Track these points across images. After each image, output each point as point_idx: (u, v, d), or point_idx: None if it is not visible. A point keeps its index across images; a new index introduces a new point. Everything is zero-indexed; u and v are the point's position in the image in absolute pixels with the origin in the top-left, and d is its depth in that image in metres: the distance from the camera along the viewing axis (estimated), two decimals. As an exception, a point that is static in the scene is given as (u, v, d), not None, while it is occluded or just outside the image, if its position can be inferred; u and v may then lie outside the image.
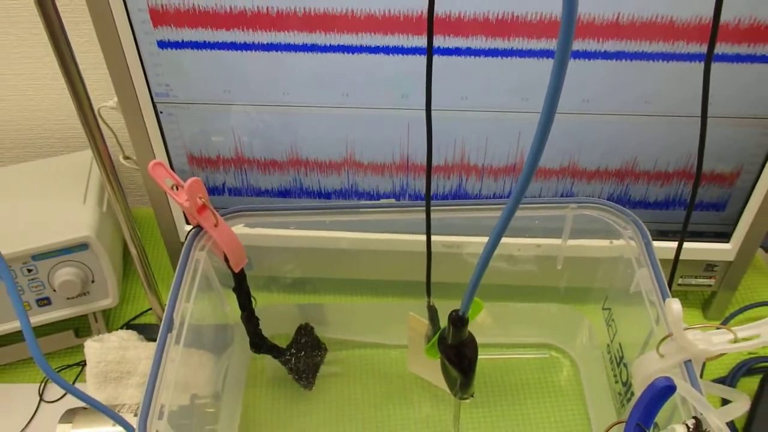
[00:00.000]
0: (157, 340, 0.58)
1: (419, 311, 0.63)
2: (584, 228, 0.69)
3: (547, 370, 0.81)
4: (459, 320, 0.49)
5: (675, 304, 0.50)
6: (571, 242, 0.70)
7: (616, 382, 0.68)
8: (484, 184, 0.76)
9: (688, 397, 0.50)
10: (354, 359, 0.81)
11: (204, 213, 0.63)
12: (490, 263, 0.40)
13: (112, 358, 0.76)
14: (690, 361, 0.53)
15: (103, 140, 0.66)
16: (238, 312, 0.70)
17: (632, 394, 0.64)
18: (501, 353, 0.83)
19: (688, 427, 0.48)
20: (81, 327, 0.86)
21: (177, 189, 0.61)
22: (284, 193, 0.79)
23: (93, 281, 0.79)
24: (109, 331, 0.82)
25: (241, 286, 0.69)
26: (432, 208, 0.57)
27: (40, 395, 0.80)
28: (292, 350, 0.76)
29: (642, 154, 0.72)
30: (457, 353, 0.53)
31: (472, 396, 0.58)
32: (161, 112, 0.71)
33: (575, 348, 0.82)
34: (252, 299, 0.70)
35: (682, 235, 0.58)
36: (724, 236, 0.78)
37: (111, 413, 0.58)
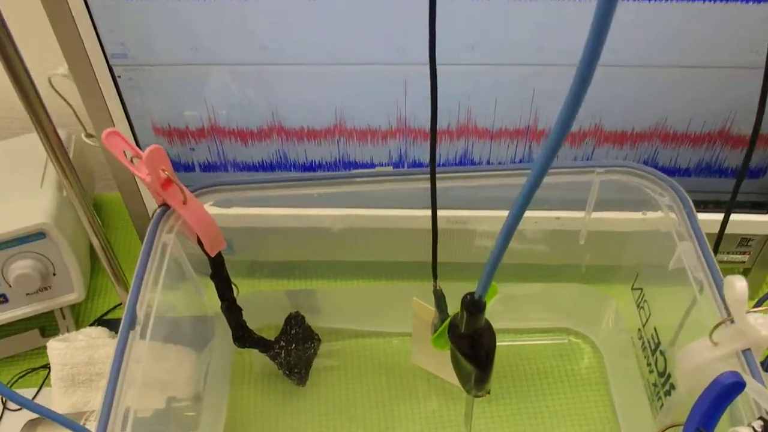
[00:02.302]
0: (118, 337, 0.50)
1: (424, 296, 0.57)
2: (612, 198, 0.61)
3: (565, 357, 0.74)
4: (475, 305, 0.40)
5: (739, 282, 0.41)
6: (597, 215, 0.62)
7: (651, 371, 0.60)
8: (493, 150, 0.68)
9: (750, 393, 0.42)
10: (351, 350, 0.75)
11: (169, 188, 0.54)
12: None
13: (80, 359, 0.69)
14: (749, 350, 0.44)
15: (45, 113, 0.57)
16: (218, 302, 0.63)
17: (672, 386, 0.56)
18: (514, 339, 0.76)
19: (754, 430, 0.40)
20: (48, 325, 0.79)
21: (137, 162, 0.52)
22: (266, 167, 0.70)
23: (54, 274, 0.72)
24: (79, 328, 0.75)
25: (218, 273, 0.61)
26: (437, 176, 0.48)
27: (3, 403, 0.73)
28: (282, 343, 0.70)
29: (673, 113, 0.64)
30: (472, 344, 0.44)
31: (488, 393, 0.50)
32: (119, 77, 0.62)
33: (598, 333, 0.75)
34: (233, 287, 0.63)
35: (730, 205, 0.50)
36: (761, 207, 0.70)
37: (71, 425, 0.50)
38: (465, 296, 0.41)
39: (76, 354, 0.68)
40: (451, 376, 0.62)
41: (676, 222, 0.55)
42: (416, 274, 0.75)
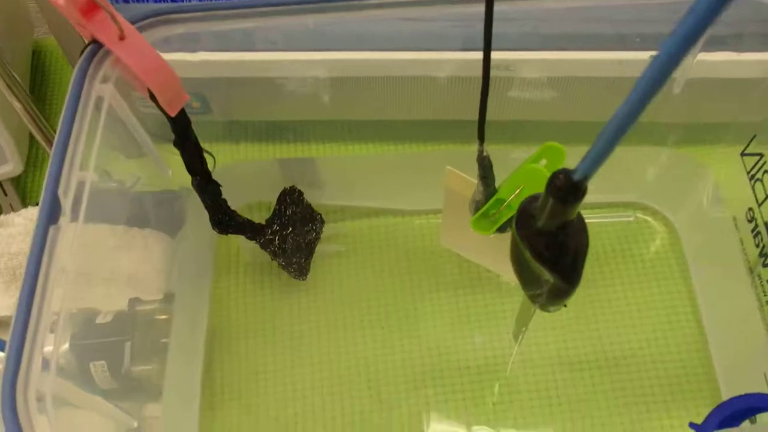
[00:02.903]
0: (33, 233, 0.36)
1: (453, 164, 0.47)
2: (728, 34, 0.45)
3: (632, 239, 0.62)
4: (573, 190, 0.25)
5: None
6: (705, 56, 0.48)
7: (766, 264, 0.46)
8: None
9: None
10: (362, 233, 0.65)
11: (96, 16, 0.38)
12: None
13: (19, 248, 0.58)
14: None
15: None
16: (187, 178, 0.50)
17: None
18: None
19: None
20: (-13, 203, 0.68)
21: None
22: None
23: (-20, 142, 0.59)
24: (28, 206, 0.65)
25: (183, 139, 0.48)
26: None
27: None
28: (275, 227, 0.58)
29: None
30: (556, 245, 0.30)
31: (565, 306, 0.35)
32: None
33: (679, 210, 0.62)
34: (207, 157, 0.50)
35: None
36: None
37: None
38: (555, 175, 0.26)
39: (14, 242, 0.58)
40: (495, 265, 0.55)
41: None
42: (443, 136, 0.65)
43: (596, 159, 0.23)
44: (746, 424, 0.36)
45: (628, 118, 0.22)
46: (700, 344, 0.57)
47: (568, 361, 0.56)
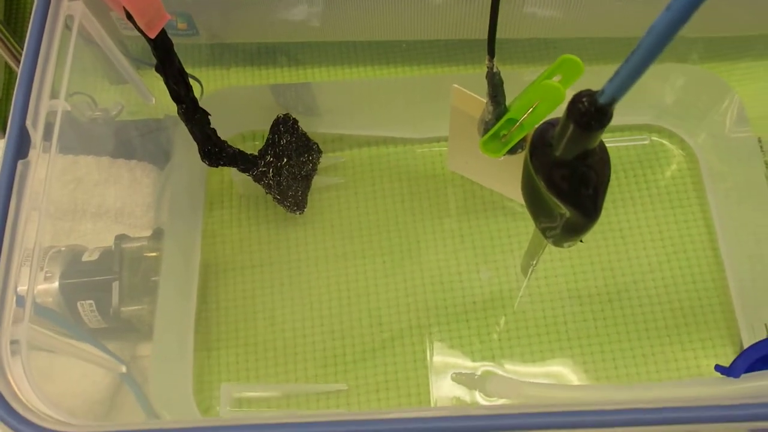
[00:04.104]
0: (2, 161, 0.34)
1: (465, 87, 0.44)
2: None
3: (646, 163, 0.59)
4: (597, 113, 0.22)
5: None
6: None
7: None
8: None
9: None
10: (362, 162, 0.62)
11: None
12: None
13: None
14: None
15: None
16: (173, 106, 0.46)
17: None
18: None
19: None
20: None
21: None
22: None
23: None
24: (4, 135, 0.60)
25: (165, 64, 0.44)
26: None
27: None
28: (269, 158, 0.55)
29: None
30: (575, 176, 0.27)
31: (581, 241, 0.33)
32: None
33: (700, 133, 0.59)
34: (193, 83, 0.46)
35: None
36: None
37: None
38: (578, 98, 0.23)
39: None
40: (506, 189, 0.53)
41: None
42: (449, 58, 0.62)
43: (628, 79, 0.20)
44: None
45: (669, 29, 0.18)
46: (716, 273, 0.54)
47: (577, 294, 0.54)
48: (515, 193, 0.47)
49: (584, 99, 0.22)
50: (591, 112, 0.22)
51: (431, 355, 0.53)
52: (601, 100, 0.22)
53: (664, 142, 0.60)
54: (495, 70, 0.37)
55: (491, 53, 0.36)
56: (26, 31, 0.70)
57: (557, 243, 0.34)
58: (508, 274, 0.55)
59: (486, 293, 0.55)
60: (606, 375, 0.52)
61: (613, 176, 0.57)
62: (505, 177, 0.48)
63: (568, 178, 0.27)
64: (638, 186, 0.58)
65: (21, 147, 0.33)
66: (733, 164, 0.56)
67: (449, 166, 0.56)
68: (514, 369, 0.52)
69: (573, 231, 0.31)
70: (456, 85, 0.44)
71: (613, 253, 0.56)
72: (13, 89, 0.65)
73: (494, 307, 0.54)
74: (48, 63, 0.35)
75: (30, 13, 0.71)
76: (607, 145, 0.58)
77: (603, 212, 0.56)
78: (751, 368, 0.29)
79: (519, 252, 0.56)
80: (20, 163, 0.33)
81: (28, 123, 0.34)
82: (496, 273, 0.55)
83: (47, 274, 0.48)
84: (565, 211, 0.29)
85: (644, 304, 0.54)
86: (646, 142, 0.60)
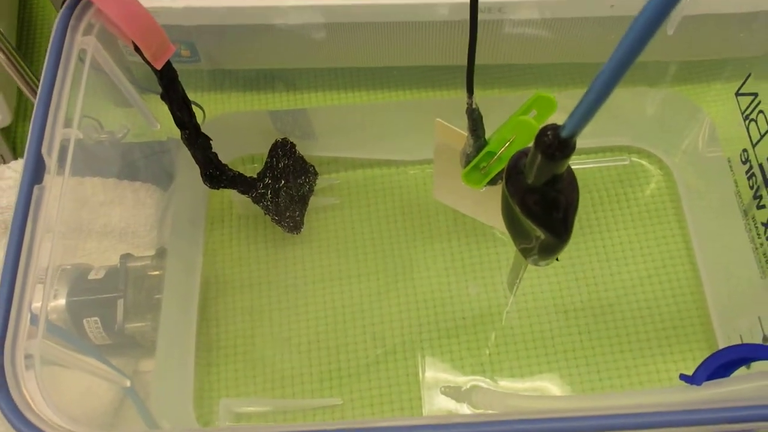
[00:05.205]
0: (18, 190, 0.36)
1: (448, 113, 0.46)
2: None
3: (626, 183, 0.61)
4: (560, 146, 0.25)
5: None
6: None
7: (761, 206, 0.46)
8: None
9: None
10: (356, 184, 0.64)
11: None
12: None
13: (9, 202, 0.58)
14: None
15: None
16: (177, 130, 0.48)
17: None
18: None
19: None
20: (-22, 157, 0.66)
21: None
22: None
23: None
24: (18, 157, 0.65)
25: (170, 92, 0.46)
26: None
27: None
28: (267, 180, 0.56)
29: None
30: (546, 200, 0.29)
31: (557, 260, 0.35)
32: None
33: (675, 152, 0.61)
34: (195, 109, 0.48)
35: None
36: None
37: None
38: (543, 132, 0.25)
39: (4, 195, 0.57)
40: (488, 218, 0.54)
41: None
42: (437, 83, 0.63)
43: (584, 116, 0.23)
44: (741, 371, 0.36)
45: (615, 74, 0.21)
46: (695, 287, 0.56)
47: (563, 309, 0.56)
48: (498, 222, 0.48)
49: (549, 132, 0.25)
50: (555, 144, 0.25)
51: (423, 370, 0.54)
52: (563, 133, 0.24)
53: (643, 162, 0.62)
54: (474, 106, 0.40)
55: (470, 91, 0.38)
56: (36, 55, 0.73)
57: (535, 263, 0.36)
58: (496, 291, 0.57)
59: (475, 309, 0.56)
60: (591, 387, 0.53)
61: (595, 195, 0.60)
62: (486, 207, 0.50)
63: (539, 202, 0.29)
64: (619, 204, 0.60)
65: (37, 172, 0.36)
66: (708, 182, 0.57)
67: (435, 195, 0.58)
68: (503, 382, 0.54)
69: (548, 251, 0.33)
70: (439, 120, 0.46)
71: (597, 269, 0.57)
72: (23, 111, 0.68)
73: (483, 323, 0.56)
74: (62, 94, 0.37)
75: (41, 39, 0.74)
76: (589, 165, 0.61)
77: (588, 230, 0.58)
78: (712, 375, 0.31)
79: (506, 269, 0.57)
80: (36, 188, 0.35)
81: (44, 150, 0.36)
82: (484, 289, 0.57)
83: (54, 292, 0.49)
84: (539, 233, 0.32)
85: (627, 317, 0.55)
86: (626, 163, 0.62)
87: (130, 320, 0.49)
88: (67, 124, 0.38)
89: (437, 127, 0.47)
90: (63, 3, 0.40)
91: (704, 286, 0.56)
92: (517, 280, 0.46)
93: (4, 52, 0.53)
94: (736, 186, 0.50)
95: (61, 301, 0.49)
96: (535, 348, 0.55)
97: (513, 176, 0.30)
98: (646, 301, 0.56)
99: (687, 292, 0.56)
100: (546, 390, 0.54)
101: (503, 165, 0.38)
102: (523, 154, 0.29)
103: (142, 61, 0.42)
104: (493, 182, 0.43)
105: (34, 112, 0.37)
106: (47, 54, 0.38)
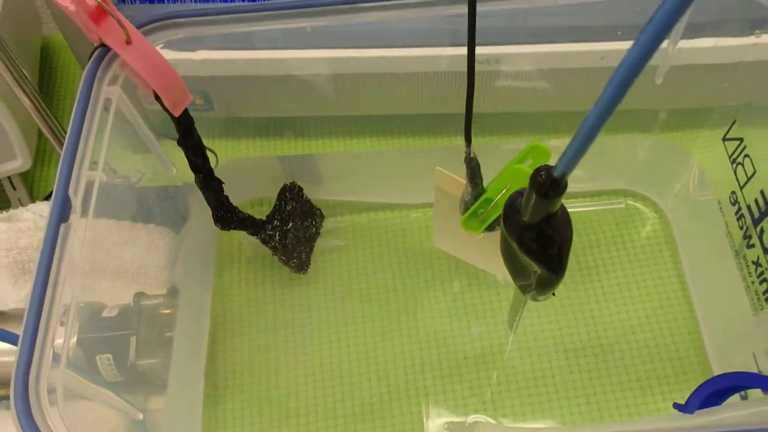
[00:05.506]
0: (45, 230, 0.37)
1: (449, 158, 0.47)
2: (706, 21, 0.45)
3: (622, 226, 0.62)
4: (553, 185, 0.27)
5: None
6: (685, 43, 0.47)
7: (750, 245, 0.47)
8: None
9: None
10: (361, 227, 0.65)
11: (104, 22, 0.39)
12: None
13: (28, 242, 0.58)
14: None
15: None
16: (191, 174, 0.50)
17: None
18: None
19: None
20: (-4, 197, 0.68)
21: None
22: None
23: (-10, 137, 0.59)
24: (36, 200, 0.66)
25: (187, 138, 0.48)
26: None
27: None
28: (276, 222, 0.58)
29: None
30: (542, 237, 0.31)
31: (554, 295, 0.37)
32: None
33: (668, 196, 0.62)
34: (209, 154, 0.50)
35: None
36: None
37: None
38: (537, 172, 0.27)
39: (23, 236, 0.58)
40: (486, 264, 0.55)
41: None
42: (439, 130, 0.65)
43: (573, 157, 0.25)
44: (734, 399, 0.37)
45: (598, 121, 0.23)
46: (691, 326, 0.57)
47: (563, 348, 0.56)
48: (496, 268, 0.49)
49: (542, 173, 0.27)
50: (548, 184, 0.27)
51: (427, 409, 0.55)
52: (555, 173, 0.26)
53: (638, 205, 0.63)
54: (472, 155, 0.41)
55: (468, 141, 0.40)
56: (56, 101, 0.75)
57: (534, 298, 0.38)
58: (497, 330, 0.57)
59: (477, 348, 0.57)
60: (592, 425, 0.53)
61: (593, 237, 0.61)
62: (485, 252, 0.51)
63: (535, 239, 0.31)
64: (616, 246, 0.61)
65: (64, 212, 0.38)
66: (700, 224, 0.58)
67: (435, 242, 0.58)
68: (505, 420, 0.54)
69: (545, 286, 0.35)
70: (439, 168, 0.47)
71: (596, 310, 0.58)
72: (41, 156, 0.70)
73: (485, 362, 0.56)
74: (89, 140, 0.39)
75: (62, 86, 0.75)
76: (588, 209, 0.63)
77: (586, 272, 0.60)
78: (704, 403, 0.32)
79: (507, 308, 0.58)
80: (62, 226, 0.37)
81: (71, 191, 0.38)
82: (486, 329, 0.57)
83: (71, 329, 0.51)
84: (536, 268, 0.34)
85: (626, 357, 0.56)
86: (622, 206, 0.63)
87: (142, 357, 0.50)
88: (92, 167, 0.40)
89: (437, 175, 0.48)
90: (91, 55, 0.42)
91: (700, 325, 0.56)
92: (517, 318, 0.47)
93: (29, 97, 0.55)
94: (727, 227, 0.52)
95: (73, 339, 0.50)
96: (536, 387, 0.55)
97: (510, 216, 0.32)
98: (644, 340, 0.56)
99: (684, 331, 0.57)
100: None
101: (500, 211, 0.40)
102: (519, 194, 0.31)
103: (160, 109, 0.44)
104: (490, 228, 0.44)
105: (62, 155, 0.39)
106: (75, 102, 0.40)
